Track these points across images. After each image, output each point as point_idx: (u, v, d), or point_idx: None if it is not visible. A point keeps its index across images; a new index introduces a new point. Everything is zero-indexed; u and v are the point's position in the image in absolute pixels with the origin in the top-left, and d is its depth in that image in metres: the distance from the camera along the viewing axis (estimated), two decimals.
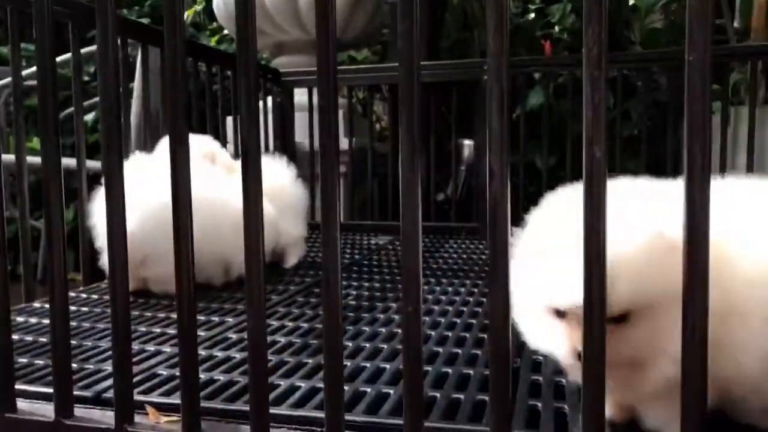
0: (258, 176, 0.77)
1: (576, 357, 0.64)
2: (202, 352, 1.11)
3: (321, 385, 0.90)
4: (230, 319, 1.33)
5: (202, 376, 0.98)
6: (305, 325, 1.27)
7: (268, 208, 1.53)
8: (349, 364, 1.04)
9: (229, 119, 2.67)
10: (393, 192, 2.93)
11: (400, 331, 1.21)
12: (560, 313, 0.67)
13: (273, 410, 0.82)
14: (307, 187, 2.83)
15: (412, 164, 0.71)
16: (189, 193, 0.80)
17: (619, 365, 0.65)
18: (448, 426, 0.79)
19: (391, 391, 0.90)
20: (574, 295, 0.62)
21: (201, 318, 1.35)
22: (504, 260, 0.67)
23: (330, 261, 0.74)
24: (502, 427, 0.68)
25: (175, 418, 0.82)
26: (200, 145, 1.72)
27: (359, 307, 1.43)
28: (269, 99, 2.83)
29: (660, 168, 2.48)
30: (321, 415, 0.76)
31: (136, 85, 2.75)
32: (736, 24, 3.16)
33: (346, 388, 0.93)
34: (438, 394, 0.89)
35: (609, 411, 0.73)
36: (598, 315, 0.62)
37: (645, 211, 0.68)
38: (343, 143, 2.91)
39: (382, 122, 3.23)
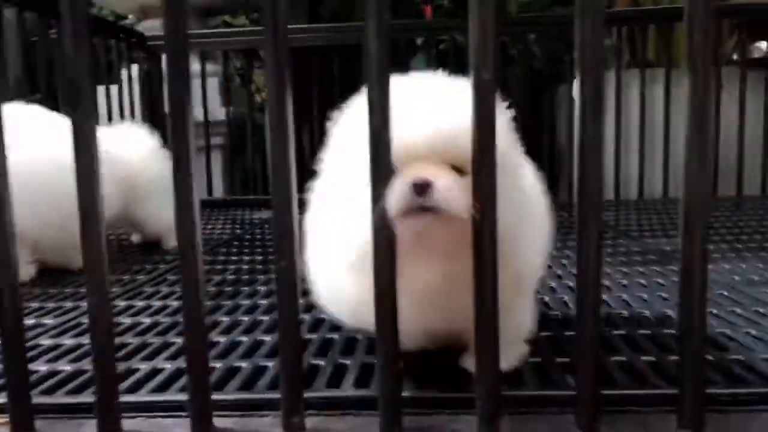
0: (91, 132, 0.63)
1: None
2: (47, 341, 0.95)
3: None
4: (84, 304, 1.16)
5: (44, 367, 0.83)
6: (174, 304, 1.14)
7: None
8: (224, 339, 0.92)
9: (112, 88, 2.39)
10: None
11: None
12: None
13: (128, 398, 0.70)
14: None
15: (281, 124, 0.61)
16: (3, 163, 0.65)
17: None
18: (330, 395, 0.70)
19: (270, 364, 0.81)
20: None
21: (50, 305, 1.17)
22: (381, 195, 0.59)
23: (186, 235, 0.63)
24: (391, 390, 0.61)
25: (2, 420, 0.67)
26: None
27: (238, 281, 1.31)
28: (134, 66, 2.57)
29: (539, 134, 2.55)
30: (185, 398, 0.65)
31: None
32: None
33: (218, 364, 0.82)
34: (323, 362, 0.80)
35: None
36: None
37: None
38: (220, 113, 2.73)
39: (263, 93, 3.05)
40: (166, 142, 2.69)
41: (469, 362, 0.73)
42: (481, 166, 0.58)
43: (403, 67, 0.69)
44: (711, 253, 1.42)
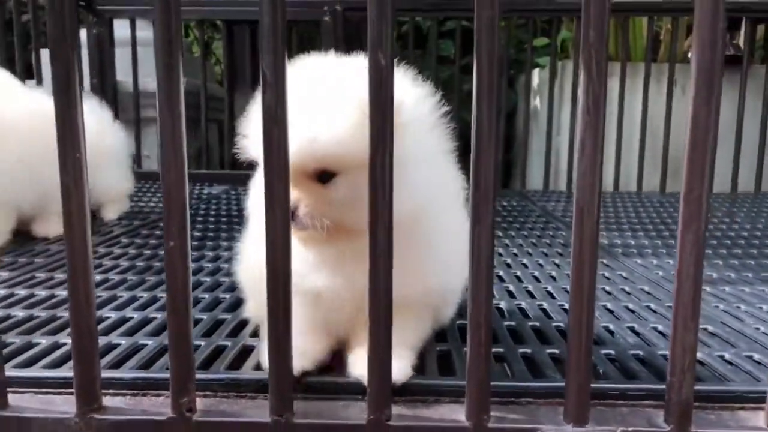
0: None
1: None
2: None
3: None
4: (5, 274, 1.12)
5: None
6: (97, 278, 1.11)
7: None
8: (137, 315, 0.91)
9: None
10: (230, 139, 2.73)
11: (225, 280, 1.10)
12: None
13: (14, 372, 0.68)
14: (131, 132, 2.57)
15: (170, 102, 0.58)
16: None
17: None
18: (227, 376, 0.69)
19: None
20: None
21: None
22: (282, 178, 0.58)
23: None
24: (284, 374, 0.61)
25: None
26: None
27: None
28: (83, 31, 2.48)
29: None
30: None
31: None
32: None
33: (122, 341, 0.80)
34: (230, 343, 0.79)
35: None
36: None
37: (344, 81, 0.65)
38: None
39: (222, 64, 2.99)
40: (117, 111, 2.62)
41: (356, 367, 0.69)
42: (376, 163, 0.57)
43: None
44: (644, 247, 1.44)
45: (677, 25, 2.45)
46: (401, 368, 0.66)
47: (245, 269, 0.82)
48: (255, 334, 0.83)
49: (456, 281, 0.75)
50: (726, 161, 2.40)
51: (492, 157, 0.57)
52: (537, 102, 2.78)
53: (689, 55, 2.62)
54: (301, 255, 0.65)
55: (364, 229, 0.59)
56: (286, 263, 0.59)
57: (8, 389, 0.64)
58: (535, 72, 2.78)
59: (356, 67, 0.68)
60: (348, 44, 2.46)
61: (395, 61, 0.59)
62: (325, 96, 0.63)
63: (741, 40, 2.58)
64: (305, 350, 0.67)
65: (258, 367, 0.72)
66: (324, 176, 0.64)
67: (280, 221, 0.58)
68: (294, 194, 0.61)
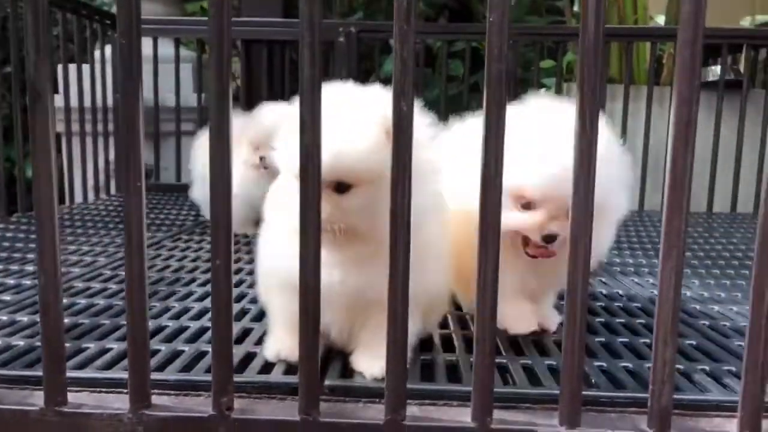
0: (46, 128, 0.69)
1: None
2: (4, 317, 1.01)
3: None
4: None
5: None
6: None
7: None
8: (172, 323, 0.99)
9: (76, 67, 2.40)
10: None
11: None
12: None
13: (74, 374, 0.77)
14: (150, 145, 2.68)
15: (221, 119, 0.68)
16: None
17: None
18: (259, 379, 0.78)
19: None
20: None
21: (10, 282, 1.22)
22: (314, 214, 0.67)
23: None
24: (311, 378, 0.69)
25: None
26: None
27: (196, 268, 1.38)
28: (108, 48, 2.58)
29: None
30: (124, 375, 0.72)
31: None
32: (575, 8, 3.42)
33: (162, 347, 0.89)
34: (258, 349, 0.88)
35: None
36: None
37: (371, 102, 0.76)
38: (193, 99, 2.76)
39: (238, 80, 3.09)
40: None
41: (360, 363, 0.81)
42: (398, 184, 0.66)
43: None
44: (641, 266, 1.52)
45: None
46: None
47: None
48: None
49: (443, 288, 0.89)
50: (726, 184, 2.47)
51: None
52: None
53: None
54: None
55: (372, 236, 0.73)
56: (316, 271, 0.68)
57: (68, 389, 0.73)
58: (542, 92, 2.87)
59: (372, 93, 0.80)
60: (360, 63, 2.56)
61: None
62: (346, 117, 0.74)
63: (742, 65, 2.65)
64: (291, 345, 0.78)
65: (287, 372, 0.80)
66: (341, 187, 0.74)
67: (312, 227, 0.66)
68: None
